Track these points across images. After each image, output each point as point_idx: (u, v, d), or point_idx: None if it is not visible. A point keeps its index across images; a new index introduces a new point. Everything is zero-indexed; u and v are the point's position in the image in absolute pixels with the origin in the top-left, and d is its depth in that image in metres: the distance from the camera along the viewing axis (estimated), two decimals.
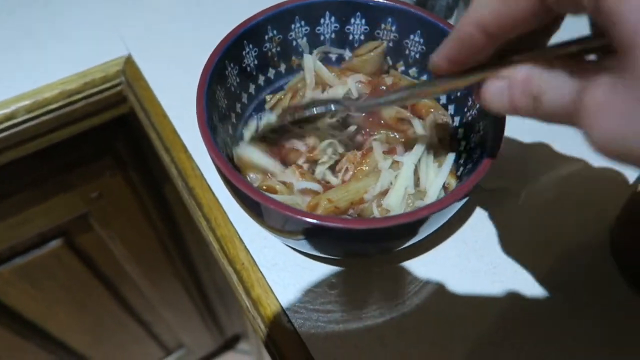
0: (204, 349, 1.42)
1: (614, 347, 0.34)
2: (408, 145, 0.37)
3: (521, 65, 0.22)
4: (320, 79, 0.40)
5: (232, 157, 0.36)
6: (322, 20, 0.40)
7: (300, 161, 0.37)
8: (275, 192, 0.34)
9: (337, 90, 0.39)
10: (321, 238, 0.31)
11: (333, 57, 0.42)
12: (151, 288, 0.97)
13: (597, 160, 0.43)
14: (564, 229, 0.39)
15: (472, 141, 0.35)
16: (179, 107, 0.47)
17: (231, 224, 0.40)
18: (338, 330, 0.34)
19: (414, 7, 0.38)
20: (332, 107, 0.34)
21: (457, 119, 0.39)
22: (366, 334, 0.34)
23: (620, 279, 0.37)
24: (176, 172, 0.44)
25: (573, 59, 0.21)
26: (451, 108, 0.39)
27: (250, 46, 0.37)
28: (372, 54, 0.39)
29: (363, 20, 0.40)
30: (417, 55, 0.40)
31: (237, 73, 0.37)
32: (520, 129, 0.45)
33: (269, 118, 0.37)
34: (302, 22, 0.39)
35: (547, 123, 0.22)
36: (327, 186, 0.35)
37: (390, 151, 0.36)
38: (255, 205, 0.29)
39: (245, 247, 0.38)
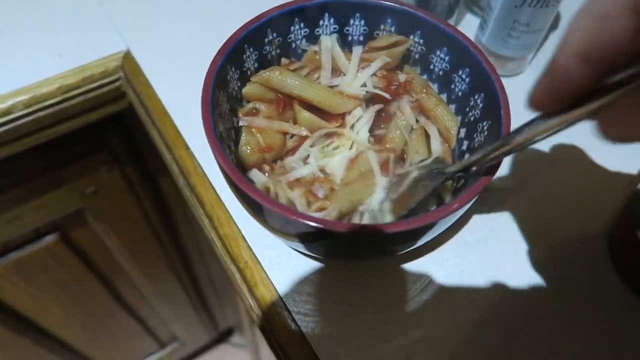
0: (198, 342, 1.43)
1: (611, 345, 0.35)
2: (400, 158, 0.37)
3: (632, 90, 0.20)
4: (335, 64, 0.40)
5: (233, 155, 0.36)
6: (321, 22, 0.39)
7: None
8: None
9: (352, 82, 0.39)
10: (323, 242, 0.31)
11: None
12: (146, 282, 0.97)
13: (598, 160, 0.44)
14: (563, 229, 0.40)
15: (476, 142, 0.36)
16: (179, 103, 0.47)
17: (234, 222, 0.40)
18: (341, 328, 0.35)
19: (413, 8, 0.38)
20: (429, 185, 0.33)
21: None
22: (369, 332, 0.35)
23: (617, 278, 0.37)
24: (177, 169, 0.44)
25: None
26: (453, 107, 0.39)
27: (251, 50, 0.37)
28: (400, 48, 0.39)
29: (362, 22, 0.40)
30: (417, 56, 0.40)
31: (238, 77, 0.36)
32: None
33: None
34: (302, 24, 0.39)
35: None
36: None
37: (383, 165, 0.36)
38: (258, 208, 0.29)
39: (249, 245, 0.38)
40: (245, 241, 0.39)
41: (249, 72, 0.38)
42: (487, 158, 0.29)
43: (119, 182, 0.69)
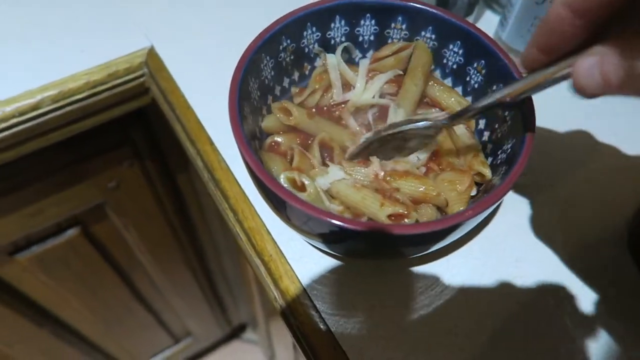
0: (211, 338, 1.44)
1: (633, 338, 0.35)
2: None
3: (612, 41, 0.22)
4: (344, 79, 0.41)
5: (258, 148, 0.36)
6: (332, 25, 0.40)
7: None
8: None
9: (362, 95, 0.40)
10: (348, 242, 0.32)
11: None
12: (162, 276, 0.98)
13: (616, 159, 0.44)
14: (584, 224, 0.40)
15: (498, 132, 0.36)
16: (203, 98, 0.48)
17: (258, 216, 0.40)
18: (363, 319, 0.35)
19: (423, 4, 0.38)
20: (426, 124, 0.34)
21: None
22: (392, 324, 0.35)
23: (637, 272, 0.38)
24: (202, 164, 0.45)
25: None
26: (470, 99, 0.40)
27: (267, 58, 0.37)
28: (405, 52, 0.40)
29: (373, 21, 0.40)
30: (431, 51, 0.41)
31: (258, 87, 0.37)
32: (546, 127, 0.45)
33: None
34: (314, 29, 0.39)
35: (638, 98, 0.22)
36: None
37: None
38: (282, 204, 0.29)
39: (273, 239, 0.39)
40: (270, 234, 0.39)
41: (266, 81, 0.38)
42: (484, 106, 0.31)
43: (139, 178, 0.70)
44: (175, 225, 0.86)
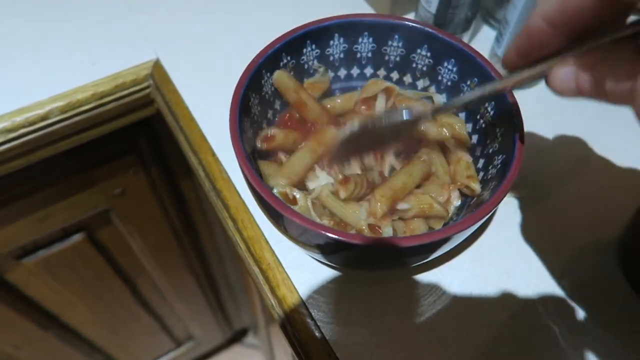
0: (213, 342, 1.45)
1: (622, 352, 0.36)
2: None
3: (587, 52, 0.24)
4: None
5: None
6: (331, 42, 0.41)
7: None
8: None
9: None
10: (343, 253, 0.33)
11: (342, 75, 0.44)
12: (165, 281, 1.00)
13: (609, 171, 0.45)
14: (575, 237, 0.41)
15: (490, 148, 0.37)
16: (206, 110, 0.49)
17: (257, 225, 0.42)
18: (359, 328, 0.37)
19: (419, 22, 0.40)
20: (406, 113, 0.34)
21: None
22: (386, 333, 0.36)
23: (628, 287, 0.39)
24: (204, 174, 0.46)
25: (631, 41, 0.23)
26: (463, 115, 0.41)
27: (268, 75, 0.39)
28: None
29: (370, 39, 0.42)
30: (425, 68, 0.42)
31: (258, 102, 0.38)
32: (537, 139, 0.47)
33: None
34: (313, 46, 0.41)
35: (607, 103, 0.25)
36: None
37: None
38: (279, 217, 0.31)
39: (271, 248, 0.40)
40: (268, 243, 0.41)
41: (266, 96, 0.39)
42: (466, 101, 0.32)
43: (144, 185, 0.72)
44: (179, 231, 0.88)
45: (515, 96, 0.35)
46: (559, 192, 0.44)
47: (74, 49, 0.54)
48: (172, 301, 1.08)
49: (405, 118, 0.34)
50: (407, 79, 0.44)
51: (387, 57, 0.43)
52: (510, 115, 0.35)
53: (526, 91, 0.51)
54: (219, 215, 0.45)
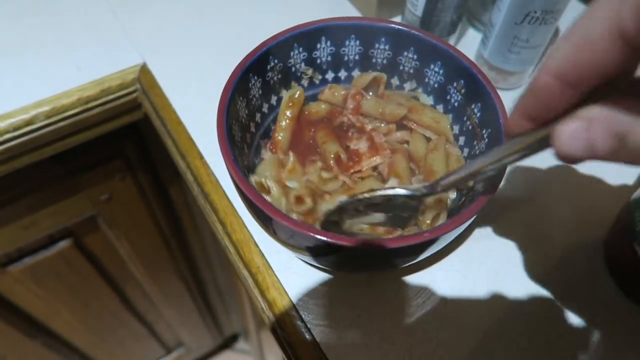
0: (203, 348, 1.44)
1: (608, 350, 0.36)
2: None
3: (601, 105, 0.20)
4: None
5: (248, 166, 0.38)
6: (318, 45, 0.41)
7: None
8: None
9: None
10: (331, 255, 0.33)
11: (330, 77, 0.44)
12: (154, 288, 0.99)
13: (594, 172, 0.46)
14: (562, 238, 0.42)
15: (476, 149, 0.38)
16: (193, 114, 0.49)
17: (246, 228, 0.41)
18: (349, 330, 0.36)
19: (405, 25, 0.40)
20: (404, 192, 0.33)
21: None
22: (376, 334, 0.36)
23: (615, 287, 0.39)
24: (192, 177, 0.46)
25: None
26: (450, 116, 0.42)
27: (255, 78, 0.39)
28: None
29: (357, 42, 0.42)
30: (412, 71, 0.42)
31: (246, 105, 0.38)
32: None
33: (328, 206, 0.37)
34: (300, 49, 0.41)
35: (629, 165, 0.21)
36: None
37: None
38: (268, 220, 0.31)
39: (260, 251, 0.40)
40: (257, 246, 0.41)
41: (254, 100, 0.39)
42: (457, 181, 0.30)
43: (132, 190, 0.71)
44: (168, 237, 0.87)
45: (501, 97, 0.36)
46: (546, 193, 0.44)
47: (58, 54, 0.54)
48: (161, 307, 1.07)
49: (400, 194, 0.33)
50: (395, 81, 0.44)
51: (374, 60, 0.43)
52: (496, 116, 0.35)
53: (509, 92, 0.52)
54: (208, 219, 0.45)
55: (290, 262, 0.40)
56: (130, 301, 0.99)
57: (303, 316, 0.37)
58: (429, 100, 0.43)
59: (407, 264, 0.36)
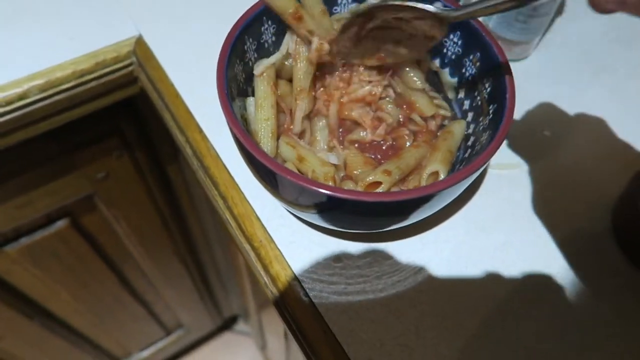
0: (203, 329, 1.44)
1: (614, 317, 0.36)
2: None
3: None
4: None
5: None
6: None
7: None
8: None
9: None
10: (336, 210, 0.32)
11: None
12: (153, 268, 0.98)
13: (603, 140, 0.45)
14: (570, 208, 0.41)
15: (481, 124, 0.37)
16: (191, 87, 0.48)
17: (247, 202, 0.41)
18: (354, 303, 0.36)
19: None
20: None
21: (467, 102, 0.40)
22: (381, 307, 0.36)
23: (622, 256, 0.39)
24: (191, 151, 0.45)
25: None
26: (463, 91, 0.40)
27: (251, 40, 0.38)
28: None
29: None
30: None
31: (242, 69, 0.37)
32: (531, 108, 0.46)
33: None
34: None
35: None
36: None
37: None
38: (270, 176, 0.30)
39: (262, 224, 0.39)
40: (259, 220, 0.40)
41: (250, 63, 0.38)
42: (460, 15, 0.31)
43: (129, 168, 0.70)
44: (166, 216, 0.86)
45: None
46: (553, 161, 0.44)
47: (51, 24, 0.52)
48: (160, 288, 1.07)
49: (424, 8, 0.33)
50: None
51: None
52: (504, 92, 0.34)
53: (514, 64, 0.51)
54: (208, 194, 0.44)
55: (293, 235, 0.39)
56: (129, 282, 0.98)
57: (307, 290, 0.37)
58: (445, 73, 0.41)
59: (414, 221, 0.34)
